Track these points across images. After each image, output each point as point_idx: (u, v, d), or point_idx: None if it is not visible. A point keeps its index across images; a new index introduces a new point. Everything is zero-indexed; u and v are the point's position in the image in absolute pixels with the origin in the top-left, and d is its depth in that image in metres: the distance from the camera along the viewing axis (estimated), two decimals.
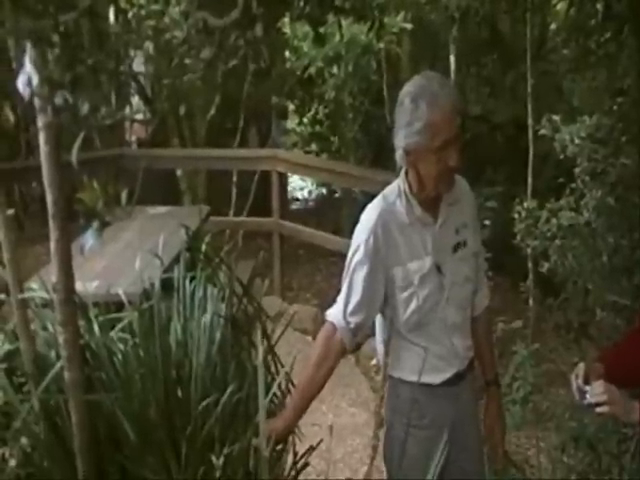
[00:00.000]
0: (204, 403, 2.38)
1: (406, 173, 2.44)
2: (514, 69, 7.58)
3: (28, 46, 1.40)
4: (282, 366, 2.82)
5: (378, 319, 2.58)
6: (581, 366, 2.36)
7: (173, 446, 2.39)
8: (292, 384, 2.75)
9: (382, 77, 7.97)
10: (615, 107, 4.69)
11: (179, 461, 2.38)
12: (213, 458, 2.26)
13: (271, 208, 7.09)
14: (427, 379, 2.44)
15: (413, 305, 2.44)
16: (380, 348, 2.61)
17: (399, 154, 2.37)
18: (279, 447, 2.54)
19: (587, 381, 2.31)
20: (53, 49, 1.40)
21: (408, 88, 2.34)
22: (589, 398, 2.24)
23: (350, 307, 2.45)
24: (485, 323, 2.72)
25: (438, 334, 2.48)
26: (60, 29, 1.35)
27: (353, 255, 2.45)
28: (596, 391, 2.23)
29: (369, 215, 2.45)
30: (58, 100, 1.48)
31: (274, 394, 2.64)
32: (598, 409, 2.23)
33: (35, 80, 1.44)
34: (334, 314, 2.49)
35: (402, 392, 2.53)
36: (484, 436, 2.71)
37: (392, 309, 2.48)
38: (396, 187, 2.47)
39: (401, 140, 2.34)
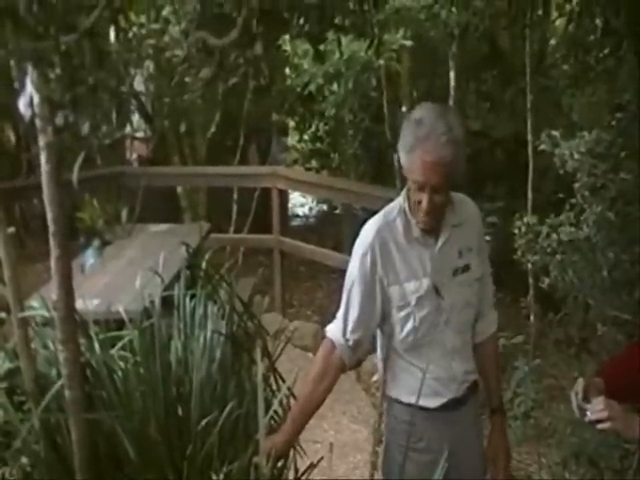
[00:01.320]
0: (204, 422, 2.37)
1: (408, 191, 2.42)
2: (514, 85, 7.60)
3: (29, 68, 1.41)
4: (283, 382, 2.81)
5: (378, 336, 2.57)
6: (580, 382, 2.35)
7: (173, 464, 2.38)
8: (294, 399, 2.74)
9: (382, 94, 7.98)
10: (614, 122, 4.70)
11: (179, 479, 2.37)
12: (213, 476, 2.26)
13: (271, 225, 7.10)
14: (424, 402, 2.41)
15: (409, 325, 2.42)
16: (380, 365, 2.60)
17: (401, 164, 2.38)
18: (280, 464, 2.53)
19: (587, 397, 2.30)
20: (54, 70, 1.41)
21: (418, 113, 2.29)
22: (589, 415, 2.24)
23: (349, 325, 2.44)
24: (492, 350, 2.67)
25: (436, 357, 2.46)
26: (61, 50, 1.36)
27: (351, 272, 2.45)
28: (596, 408, 2.22)
29: (368, 231, 2.44)
30: (59, 120, 1.49)
31: (275, 411, 2.63)
32: (599, 426, 2.23)
33: (36, 100, 1.45)
34: (333, 331, 2.48)
35: (399, 413, 2.52)
36: (488, 463, 2.67)
37: (390, 327, 2.47)
38: (397, 205, 2.46)
39: (401, 151, 2.32)
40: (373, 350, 2.67)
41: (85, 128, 1.52)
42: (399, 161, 2.33)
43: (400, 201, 2.45)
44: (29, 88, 1.44)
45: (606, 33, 5.00)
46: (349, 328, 2.44)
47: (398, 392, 2.51)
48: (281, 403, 2.69)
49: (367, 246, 2.40)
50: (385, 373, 2.52)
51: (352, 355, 2.48)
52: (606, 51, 5.11)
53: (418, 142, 2.22)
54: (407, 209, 2.41)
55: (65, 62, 1.42)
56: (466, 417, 2.57)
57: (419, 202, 2.31)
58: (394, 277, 2.41)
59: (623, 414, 2.22)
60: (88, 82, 1.50)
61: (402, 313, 2.42)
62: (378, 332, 2.55)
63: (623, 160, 4.49)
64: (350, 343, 2.44)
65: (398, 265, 2.41)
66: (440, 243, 2.42)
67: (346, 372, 2.56)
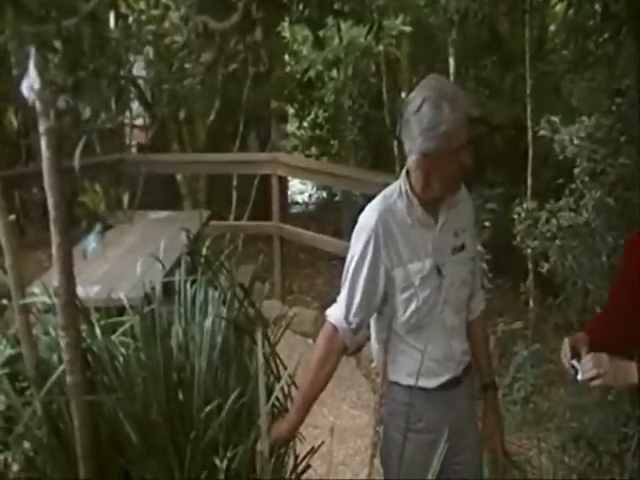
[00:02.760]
0: (208, 408, 2.38)
1: (407, 174, 2.44)
2: (513, 71, 7.59)
3: (32, 51, 1.41)
4: (285, 368, 2.82)
5: (373, 321, 2.58)
6: (566, 341, 2.39)
7: (175, 449, 2.39)
8: (295, 386, 2.75)
9: (381, 80, 7.98)
10: (614, 107, 4.70)
11: (182, 464, 2.38)
12: (217, 461, 2.27)
13: (271, 212, 7.10)
14: (423, 383, 2.42)
15: (413, 306, 2.44)
16: (376, 348, 2.61)
17: (414, 159, 2.35)
18: (282, 450, 2.55)
19: (576, 354, 2.33)
20: (56, 54, 1.41)
21: (425, 92, 2.31)
22: (581, 375, 2.26)
23: (352, 308, 2.45)
24: (481, 327, 2.71)
25: (436, 336, 2.48)
26: (62, 34, 1.36)
27: (353, 255, 2.45)
28: (586, 367, 2.25)
29: (369, 215, 2.45)
30: (60, 104, 1.49)
31: (276, 397, 2.64)
32: (592, 383, 2.26)
33: (37, 85, 1.45)
34: (335, 315, 2.49)
35: (398, 396, 2.53)
36: (483, 441, 2.71)
37: (391, 309, 2.48)
38: (397, 187, 2.47)
39: (420, 145, 2.30)
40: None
41: (86, 112, 1.52)
42: (400, 148, 2.35)
43: (400, 183, 2.46)
44: (32, 71, 1.44)
45: (605, 18, 5.00)
46: (352, 311, 2.45)
47: (398, 375, 2.52)
48: (282, 389, 2.70)
49: (370, 230, 2.41)
50: (385, 355, 2.53)
51: (353, 338, 2.49)
52: (605, 36, 5.10)
53: (448, 111, 2.27)
54: (409, 190, 2.43)
55: (66, 47, 1.42)
56: (463, 397, 2.59)
57: (461, 165, 2.35)
58: (397, 259, 2.42)
59: (612, 367, 2.24)
60: (89, 67, 1.50)
61: (405, 294, 2.44)
62: (374, 317, 2.56)
63: (623, 145, 4.50)
64: (353, 326, 2.45)
65: (401, 247, 2.42)
66: (440, 224, 2.45)
67: (346, 357, 2.56)
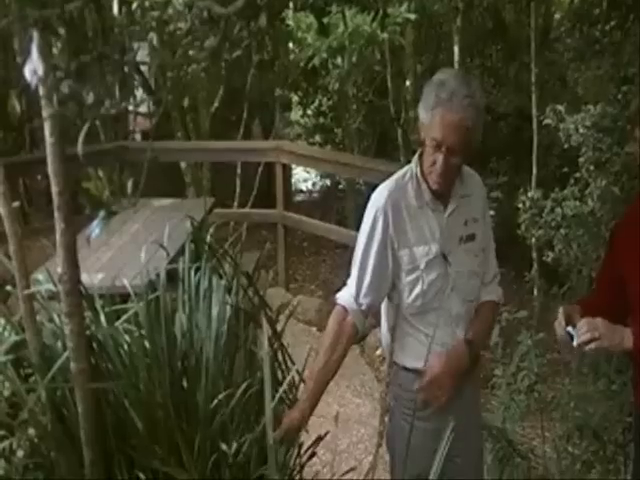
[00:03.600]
0: (219, 398, 2.38)
1: (419, 156, 2.46)
2: (518, 59, 7.58)
3: (35, 34, 1.40)
4: (289, 356, 2.82)
5: (384, 307, 2.58)
6: (561, 310, 2.42)
7: (180, 436, 2.39)
8: (300, 377, 2.74)
9: (386, 68, 7.95)
10: (620, 96, 4.68)
11: (187, 451, 2.38)
12: (224, 446, 2.27)
13: (275, 200, 7.10)
14: None
15: (418, 289, 2.45)
16: (385, 337, 2.61)
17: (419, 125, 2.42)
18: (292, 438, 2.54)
19: (570, 323, 2.36)
20: (59, 38, 1.41)
21: (444, 76, 2.36)
22: (576, 339, 2.28)
23: (363, 289, 2.45)
24: (486, 310, 2.61)
25: (441, 323, 2.47)
26: (66, 18, 1.35)
27: (363, 235, 2.47)
28: (582, 331, 2.28)
29: (379, 194, 2.47)
30: (64, 88, 1.48)
31: (282, 384, 2.63)
32: (588, 347, 2.28)
33: (41, 68, 1.44)
34: (345, 297, 2.49)
35: (404, 381, 2.54)
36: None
37: (398, 293, 2.49)
38: (409, 170, 2.50)
39: (421, 110, 2.38)
40: (377, 324, 2.68)
41: (90, 98, 1.51)
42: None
43: (412, 166, 2.49)
44: (35, 55, 1.43)
45: (612, 5, 4.97)
46: (362, 292, 2.45)
47: (404, 358, 2.53)
48: (287, 376, 2.69)
49: (380, 209, 2.42)
50: (393, 341, 2.53)
51: (364, 320, 2.48)
52: (612, 24, 5.07)
53: (440, 101, 2.29)
54: (419, 174, 2.45)
55: (70, 31, 1.41)
56: (468, 386, 2.59)
57: (433, 163, 2.36)
58: (404, 240, 2.43)
59: (607, 331, 2.28)
60: (93, 52, 1.49)
61: (411, 277, 2.44)
62: (384, 304, 2.56)
63: (628, 134, 4.47)
64: (363, 307, 2.46)
65: (409, 229, 2.44)
66: (449, 210, 2.47)
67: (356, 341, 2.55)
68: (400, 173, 2.52)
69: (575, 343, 2.30)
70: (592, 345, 2.27)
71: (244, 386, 2.41)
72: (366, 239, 2.45)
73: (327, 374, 2.46)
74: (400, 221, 2.43)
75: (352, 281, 2.49)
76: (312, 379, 2.48)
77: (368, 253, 2.44)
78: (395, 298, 2.50)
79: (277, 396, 2.41)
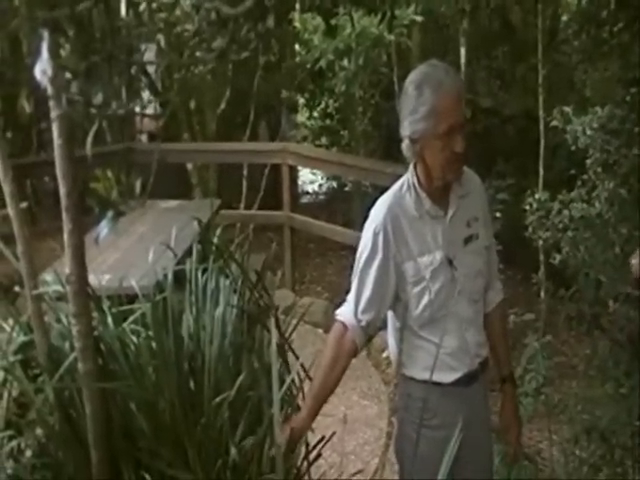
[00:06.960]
0: (219, 398, 2.38)
1: (414, 166, 2.43)
2: (525, 61, 7.56)
3: (45, 34, 1.40)
4: (297, 358, 2.82)
5: (390, 316, 2.56)
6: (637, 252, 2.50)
7: (187, 437, 2.39)
8: (308, 377, 2.74)
9: (392, 70, 7.95)
10: (628, 97, 4.66)
11: (194, 452, 2.38)
12: (232, 449, 2.27)
13: (282, 201, 7.10)
14: (438, 377, 2.40)
15: (425, 300, 2.41)
16: (392, 342, 2.59)
17: (405, 144, 2.37)
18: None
19: None
20: (67, 39, 1.41)
21: (412, 77, 2.36)
22: None
23: (361, 305, 2.42)
24: (499, 319, 2.67)
25: (451, 329, 2.44)
26: (75, 18, 1.35)
27: (363, 251, 2.43)
28: None
29: (378, 210, 2.44)
30: (73, 89, 1.48)
31: (289, 385, 2.63)
32: None
33: (50, 69, 1.45)
34: (344, 313, 2.46)
35: (413, 391, 2.51)
36: (500, 433, 2.68)
37: (403, 306, 2.45)
38: (405, 181, 2.46)
39: (406, 129, 2.34)
40: (383, 326, 2.66)
41: (98, 99, 1.51)
42: (411, 133, 2.34)
43: (408, 177, 2.46)
44: (44, 55, 1.43)
45: (620, 7, 4.96)
46: (361, 308, 2.42)
47: (413, 370, 2.49)
48: (293, 379, 2.68)
49: (379, 225, 2.39)
50: (400, 354, 2.51)
51: (364, 337, 2.46)
52: (620, 25, 5.05)
53: (437, 89, 2.28)
54: (416, 183, 2.42)
55: (79, 32, 1.41)
56: (478, 394, 2.57)
57: (452, 151, 2.31)
58: (408, 253, 2.40)
59: None
60: (101, 53, 1.49)
61: (417, 288, 2.41)
62: (390, 313, 2.54)
63: (636, 136, 4.46)
64: (362, 324, 2.42)
65: (411, 240, 2.40)
66: (450, 214, 2.43)
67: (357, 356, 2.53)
68: (397, 186, 2.48)
69: None
70: None
71: (241, 380, 2.40)
72: (366, 256, 2.41)
73: (326, 391, 2.44)
74: (401, 234, 2.39)
75: (351, 297, 2.46)
76: (311, 394, 2.46)
77: (368, 270, 2.41)
78: (399, 311, 2.47)
79: (281, 393, 2.42)
